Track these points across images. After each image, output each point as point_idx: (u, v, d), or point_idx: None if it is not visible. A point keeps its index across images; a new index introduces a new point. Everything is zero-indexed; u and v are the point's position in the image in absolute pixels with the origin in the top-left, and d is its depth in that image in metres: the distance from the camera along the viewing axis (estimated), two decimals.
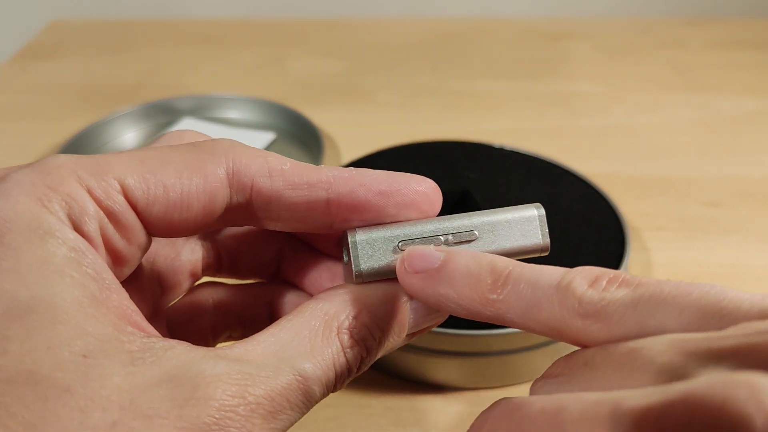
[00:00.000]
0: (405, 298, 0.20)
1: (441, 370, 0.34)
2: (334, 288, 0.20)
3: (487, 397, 0.34)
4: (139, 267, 0.22)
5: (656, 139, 0.59)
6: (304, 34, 0.80)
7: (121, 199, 0.18)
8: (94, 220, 0.17)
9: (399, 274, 0.20)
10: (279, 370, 0.17)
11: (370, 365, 0.20)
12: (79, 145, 0.56)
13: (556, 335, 0.17)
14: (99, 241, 0.18)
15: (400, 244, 0.20)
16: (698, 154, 0.56)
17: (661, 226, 0.47)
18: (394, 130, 0.58)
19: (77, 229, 0.17)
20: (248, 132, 0.59)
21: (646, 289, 0.16)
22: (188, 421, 0.15)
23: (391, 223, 0.21)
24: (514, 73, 0.71)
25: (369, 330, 0.20)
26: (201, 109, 0.62)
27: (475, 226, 0.21)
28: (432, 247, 0.20)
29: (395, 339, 0.21)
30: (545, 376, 0.17)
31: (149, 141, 0.62)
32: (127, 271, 0.19)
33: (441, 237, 0.20)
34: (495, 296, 0.18)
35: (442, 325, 0.32)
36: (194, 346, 0.17)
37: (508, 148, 0.47)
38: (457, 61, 0.74)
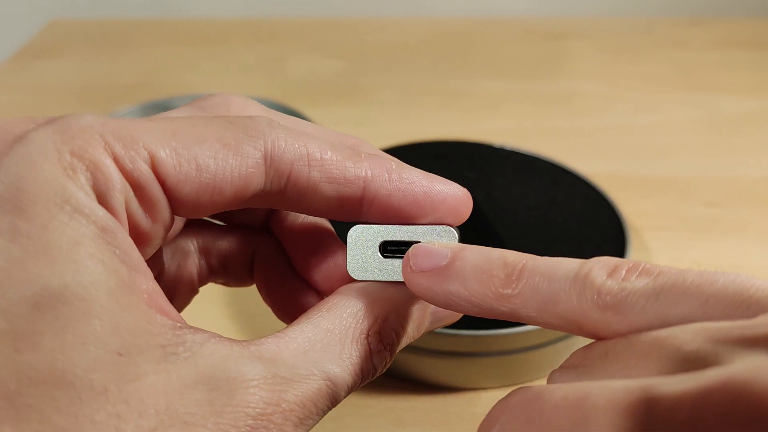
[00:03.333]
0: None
1: (441, 370, 0.34)
2: (360, 283, 0.20)
3: (487, 398, 0.34)
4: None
5: (656, 139, 0.58)
6: (304, 34, 0.80)
7: (149, 171, 0.16)
8: (120, 193, 0.16)
9: (405, 274, 0.19)
10: (310, 373, 0.17)
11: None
12: None
13: (574, 328, 0.16)
14: (124, 216, 0.16)
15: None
16: (699, 154, 0.56)
17: (662, 227, 0.47)
18: (394, 130, 0.58)
19: (102, 202, 0.16)
20: None
21: (667, 279, 0.15)
22: (225, 429, 0.15)
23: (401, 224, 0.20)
24: (514, 73, 0.71)
25: (396, 333, 0.19)
26: None
27: None
28: (437, 243, 0.19)
29: (412, 339, 0.20)
30: (563, 367, 0.16)
31: None
32: (149, 251, 0.18)
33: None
34: (509, 291, 0.17)
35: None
36: (226, 340, 0.16)
37: (508, 148, 0.47)
38: (457, 61, 0.73)
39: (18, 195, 0.15)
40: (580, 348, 0.16)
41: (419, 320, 0.20)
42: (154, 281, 0.17)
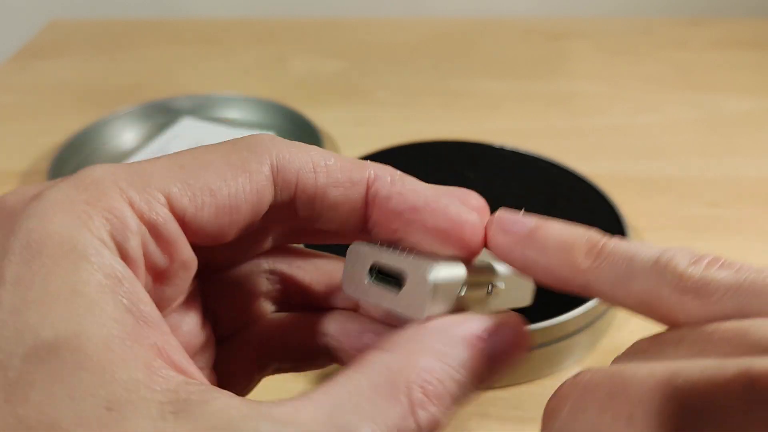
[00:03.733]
0: (481, 344, 0.17)
1: None
2: (397, 334, 0.17)
3: (487, 397, 0.34)
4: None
5: (656, 139, 0.58)
6: (304, 34, 0.80)
7: (165, 211, 0.17)
8: (136, 236, 0.16)
9: (489, 233, 0.19)
10: None
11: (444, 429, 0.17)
12: (79, 144, 0.56)
13: (644, 309, 0.16)
14: (140, 260, 0.16)
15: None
16: (699, 154, 0.56)
17: (662, 226, 0.47)
18: (394, 130, 0.58)
19: (119, 247, 0.16)
20: (248, 132, 0.59)
21: (748, 274, 0.15)
22: None
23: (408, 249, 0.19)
24: (514, 73, 0.71)
25: (444, 385, 0.16)
26: (201, 109, 0.62)
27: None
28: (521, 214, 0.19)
29: (470, 392, 0.17)
30: (628, 353, 0.16)
31: (149, 141, 0.61)
32: (171, 292, 0.18)
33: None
34: (588, 264, 0.17)
35: None
36: (237, 399, 0.15)
37: (508, 148, 0.47)
38: (457, 61, 0.73)
39: (27, 246, 0.15)
40: (645, 338, 0.16)
41: (473, 365, 0.17)
42: (170, 335, 0.16)
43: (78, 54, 0.76)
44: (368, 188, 0.19)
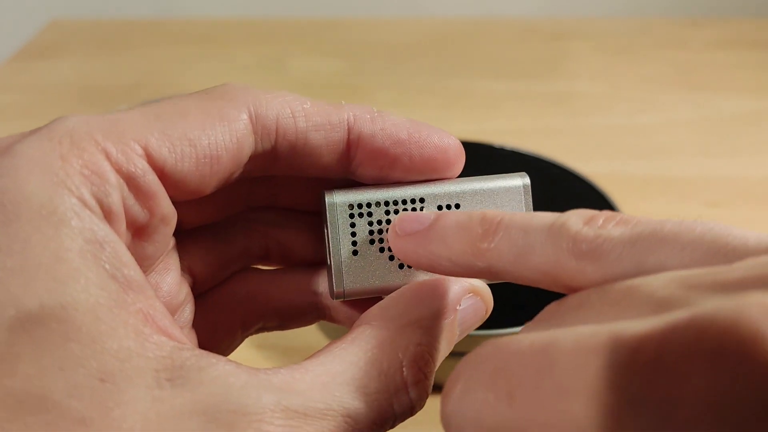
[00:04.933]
0: (454, 313, 0.19)
1: (441, 370, 0.34)
2: (385, 306, 0.18)
3: None
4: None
5: (656, 139, 0.58)
6: (304, 34, 0.80)
7: (143, 163, 0.16)
8: (116, 191, 0.15)
9: (391, 239, 0.18)
10: (328, 408, 0.15)
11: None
12: None
13: (550, 282, 0.15)
14: (122, 216, 0.16)
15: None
16: (698, 154, 0.56)
17: None
18: None
19: (99, 204, 0.15)
20: None
21: (645, 227, 0.14)
22: None
23: (372, 186, 0.20)
24: (514, 73, 0.71)
25: (432, 358, 0.18)
26: None
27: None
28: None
29: (443, 358, 0.19)
30: (536, 320, 0.16)
31: None
32: (152, 249, 0.18)
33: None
34: (486, 245, 0.16)
35: None
36: (232, 365, 0.15)
37: (508, 148, 0.47)
38: (457, 61, 0.73)
39: (2, 208, 0.14)
40: (554, 302, 0.15)
41: (450, 336, 0.19)
42: (156, 299, 0.16)
43: (78, 54, 0.76)
44: (349, 129, 0.19)
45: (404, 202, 0.20)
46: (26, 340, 0.13)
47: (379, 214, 0.20)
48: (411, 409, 0.17)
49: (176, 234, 0.20)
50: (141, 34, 0.80)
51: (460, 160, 0.20)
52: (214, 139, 0.17)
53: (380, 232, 0.20)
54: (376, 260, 0.20)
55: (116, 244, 0.15)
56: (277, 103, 0.18)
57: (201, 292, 0.22)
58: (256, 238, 0.22)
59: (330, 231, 0.19)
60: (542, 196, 0.43)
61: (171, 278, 0.20)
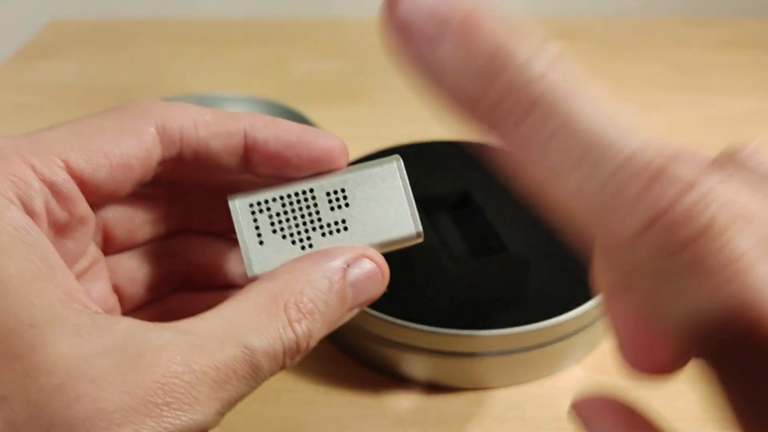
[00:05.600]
0: (344, 273, 0.21)
1: (441, 370, 0.34)
2: (278, 270, 0.21)
3: (487, 398, 0.34)
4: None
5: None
6: (304, 34, 0.80)
7: (63, 173, 0.19)
8: (39, 195, 0.19)
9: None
10: (225, 342, 0.18)
11: (318, 341, 0.21)
12: None
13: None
14: (44, 215, 0.19)
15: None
16: None
17: None
18: (394, 130, 0.58)
19: (24, 204, 0.19)
20: None
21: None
22: (133, 385, 0.16)
23: (272, 186, 0.23)
24: None
25: (314, 304, 0.20)
26: None
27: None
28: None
29: (339, 313, 0.21)
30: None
31: None
32: (72, 246, 0.21)
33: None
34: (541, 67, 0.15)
35: (442, 326, 0.32)
36: (140, 321, 0.18)
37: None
38: None
39: None
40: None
41: (339, 290, 0.21)
42: (74, 279, 0.19)
43: (78, 54, 0.76)
44: (246, 136, 0.22)
45: (296, 194, 0.23)
46: None
47: (276, 207, 0.23)
48: (297, 345, 0.20)
49: (106, 256, 0.24)
50: (141, 34, 0.80)
51: (343, 156, 0.23)
52: (125, 150, 0.20)
53: (280, 222, 0.23)
54: (280, 246, 0.22)
55: (39, 234, 0.18)
56: (182, 115, 0.22)
57: (128, 311, 0.25)
58: (178, 264, 0.25)
59: (236, 228, 0.22)
60: None
61: (100, 287, 0.23)
